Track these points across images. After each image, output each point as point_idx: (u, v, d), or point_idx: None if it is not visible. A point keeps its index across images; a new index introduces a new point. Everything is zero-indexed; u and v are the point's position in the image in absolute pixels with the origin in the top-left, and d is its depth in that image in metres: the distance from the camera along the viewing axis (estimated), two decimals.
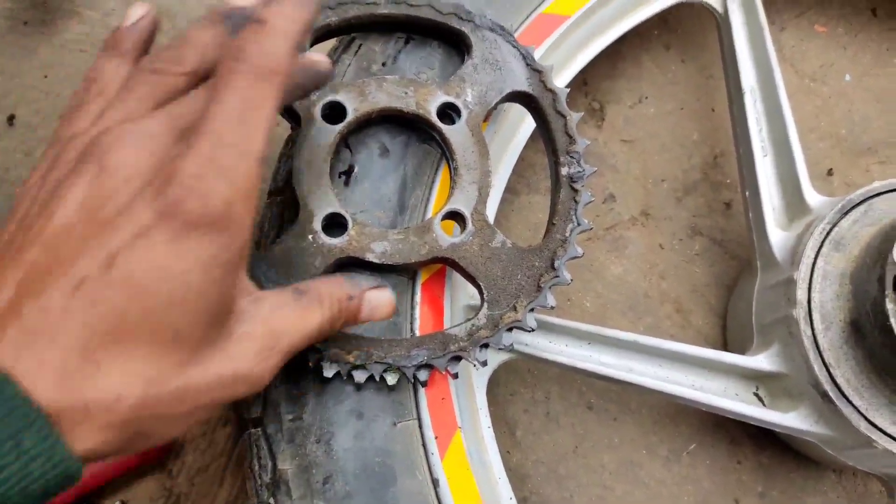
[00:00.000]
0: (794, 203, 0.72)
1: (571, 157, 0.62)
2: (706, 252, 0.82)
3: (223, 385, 0.40)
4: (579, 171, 0.61)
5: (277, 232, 0.62)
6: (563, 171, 0.61)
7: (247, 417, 0.60)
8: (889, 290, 0.58)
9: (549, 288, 0.58)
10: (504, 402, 0.77)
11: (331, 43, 0.65)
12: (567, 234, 0.60)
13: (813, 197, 0.70)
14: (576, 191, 0.61)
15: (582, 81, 0.85)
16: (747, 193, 0.73)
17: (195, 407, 0.39)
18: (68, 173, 0.38)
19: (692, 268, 0.82)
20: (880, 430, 0.61)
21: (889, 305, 0.58)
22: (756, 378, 0.69)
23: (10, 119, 0.83)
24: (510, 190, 0.81)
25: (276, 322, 0.43)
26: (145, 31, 0.46)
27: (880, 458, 0.63)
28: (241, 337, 0.40)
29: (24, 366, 0.34)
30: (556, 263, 0.58)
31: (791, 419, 0.66)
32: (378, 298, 0.50)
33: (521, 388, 0.77)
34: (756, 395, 0.69)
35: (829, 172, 0.85)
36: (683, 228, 0.83)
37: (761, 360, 0.67)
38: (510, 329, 0.58)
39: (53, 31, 0.87)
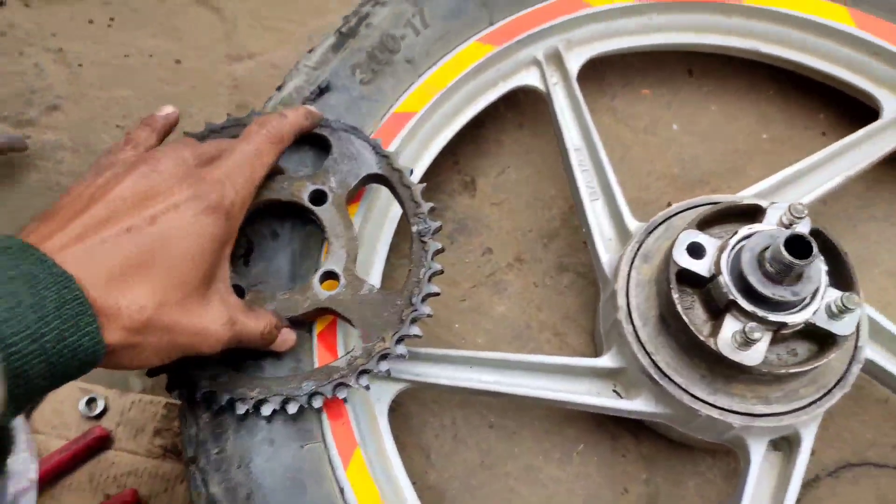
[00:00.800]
0: (621, 232, 0.88)
1: (419, 217, 0.79)
2: (573, 284, 0.98)
3: (195, 333, 0.57)
4: (426, 227, 0.78)
5: None
6: (414, 228, 0.78)
7: (185, 458, 0.74)
8: (673, 283, 0.74)
9: (411, 321, 0.74)
10: (417, 430, 0.90)
11: None
12: (421, 277, 0.76)
13: (633, 224, 0.87)
14: (424, 242, 0.77)
15: (454, 162, 1.04)
16: (584, 230, 0.90)
17: (173, 342, 0.56)
18: (123, 172, 0.57)
19: (563, 298, 0.97)
20: (700, 399, 0.75)
21: (675, 295, 0.73)
22: (610, 376, 0.83)
23: None
24: (403, 256, 0.97)
25: (235, 312, 0.63)
26: (171, 120, 0.71)
27: (710, 424, 0.76)
28: (215, 307, 0.60)
29: (83, 274, 0.49)
30: (414, 300, 0.74)
31: (639, 404, 0.80)
32: (288, 334, 0.72)
33: (429, 417, 0.91)
34: (615, 391, 0.83)
35: (668, 204, 1.02)
36: (552, 267, 0.99)
37: (606, 360, 0.81)
38: (384, 356, 0.73)
39: (15, 182, 1.05)
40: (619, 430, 0.91)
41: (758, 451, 0.77)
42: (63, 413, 0.91)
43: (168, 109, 0.71)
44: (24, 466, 0.85)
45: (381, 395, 0.81)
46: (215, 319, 0.60)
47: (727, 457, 0.91)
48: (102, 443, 0.88)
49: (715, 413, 0.75)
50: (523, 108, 1.08)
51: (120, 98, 1.09)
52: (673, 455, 0.90)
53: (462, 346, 0.95)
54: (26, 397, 0.46)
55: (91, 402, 0.90)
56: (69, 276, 0.48)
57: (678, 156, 1.06)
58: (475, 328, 0.96)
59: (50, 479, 0.87)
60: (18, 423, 0.87)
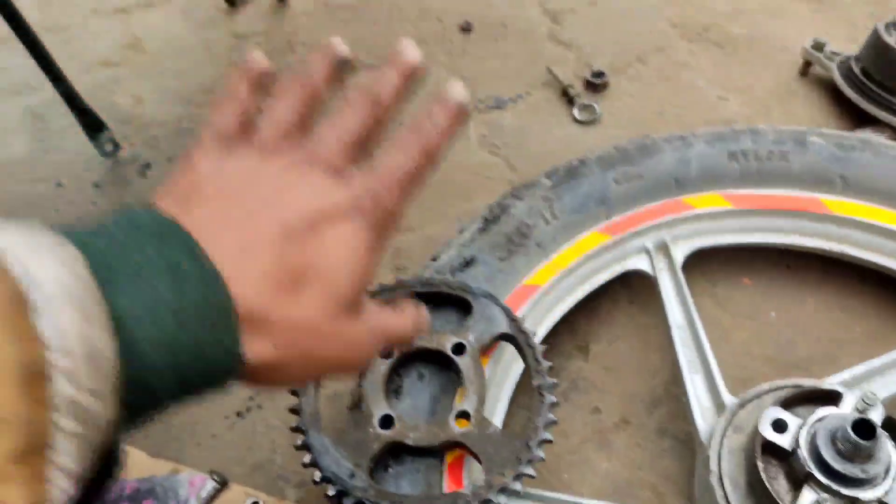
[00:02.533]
0: (717, 403, 1.00)
1: (539, 373, 0.95)
2: (673, 449, 1.08)
3: (347, 348, 0.49)
4: (545, 382, 0.94)
5: (353, 428, 0.97)
6: (535, 382, 0.95)
7: None
8: (759, 453, 0.84)
9: (527, 461, 0.88)
10: None
11: None
12: (538, 425, 0.91)
13: (728, 398, 0.99)
14: (543, 395, 0.93)
15: (571, 329, 1.20)
16: (684, 399, 1.02)
17: (323, 359, 0.47)
18: (276, 160, 0.47)
19: (663, 461, 1.07)
20: None
21: (760, 465, 0.84)
22: None
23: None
24: (523, 406, 1.13)
25: (382, 318, 0.53)
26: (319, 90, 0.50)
27: None
28: (363, 318, 0.50)
29: (232, 273, 0.40)
30: (531, 444, 0.89)
31: None
32: (425, 314, 0.59)
33: None
34: None
35: None
36: (654, 431, 1.10)
37: None
38: (502, 489, 0.87)
39: None
40: None
41: None
42: None
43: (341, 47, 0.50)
44: None
45: None
46: (362, 331, 0.51)
47: None
48: None
49: None
50: (635, 287, 1.24)
51: None
52: None
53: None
54: (144, 413, 0.39)
55: None
56: (218, 273, 0.40)
57: (775, 340, 1.17)
58: (582, 479, 1.07)
59: None
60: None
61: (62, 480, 0.31)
